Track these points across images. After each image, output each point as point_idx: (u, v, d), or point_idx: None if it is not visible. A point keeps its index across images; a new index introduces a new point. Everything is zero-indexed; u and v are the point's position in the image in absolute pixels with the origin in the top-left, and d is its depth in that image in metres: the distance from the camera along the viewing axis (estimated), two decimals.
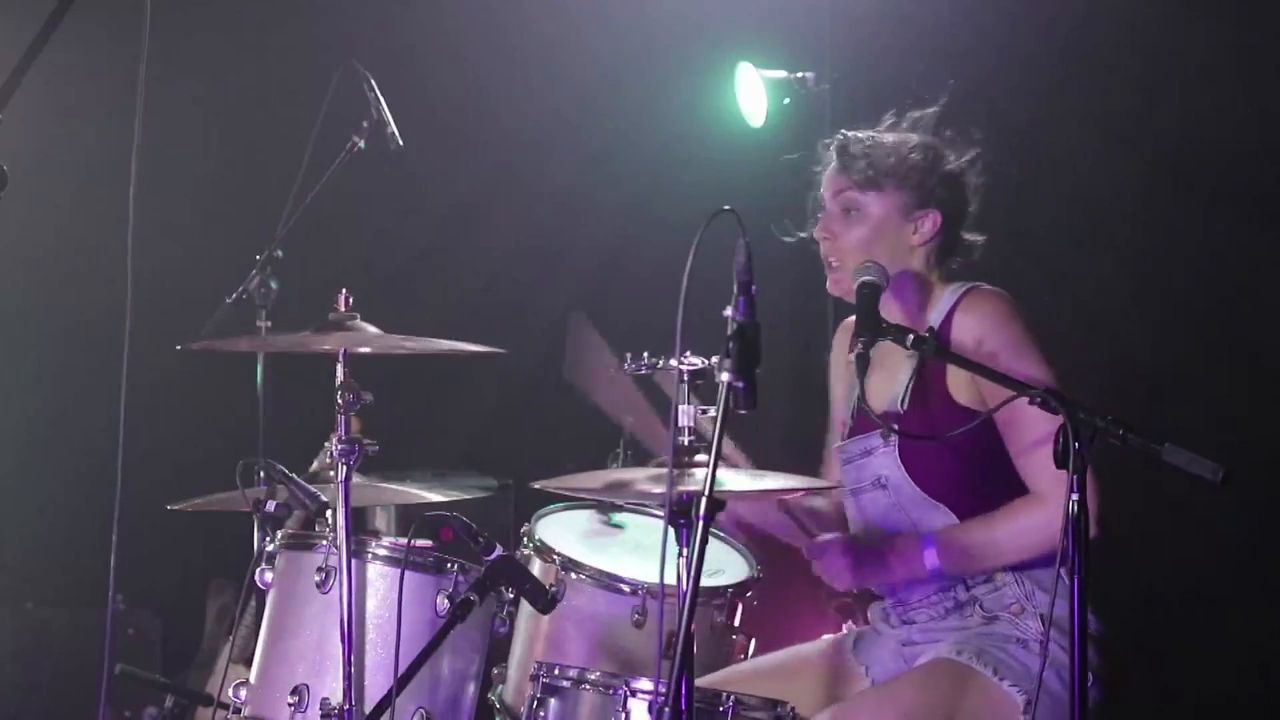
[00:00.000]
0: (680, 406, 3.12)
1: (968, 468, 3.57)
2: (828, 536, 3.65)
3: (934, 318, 3.64)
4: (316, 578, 3.54)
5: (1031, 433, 3.47)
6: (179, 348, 3.59)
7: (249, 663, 3.68)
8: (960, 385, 3.56)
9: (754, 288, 2.93)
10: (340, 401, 3.49)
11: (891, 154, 3.69)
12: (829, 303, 5.80)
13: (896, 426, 3.58)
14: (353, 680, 3.43)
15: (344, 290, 3.56)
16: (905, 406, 3.62)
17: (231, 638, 4.76)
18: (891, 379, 3.66)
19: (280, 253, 4.89)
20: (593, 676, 3.35)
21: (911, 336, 3.31)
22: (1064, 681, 3.40)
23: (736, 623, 3.84)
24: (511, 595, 3.60)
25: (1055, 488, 3.38)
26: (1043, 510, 3.48)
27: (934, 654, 3.57)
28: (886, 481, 3.65)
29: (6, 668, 5.90)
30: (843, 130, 3.76)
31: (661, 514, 3.02)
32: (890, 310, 3.60)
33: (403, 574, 3.48)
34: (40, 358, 6.14)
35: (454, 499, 4.07)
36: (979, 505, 3.56)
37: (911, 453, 3.61)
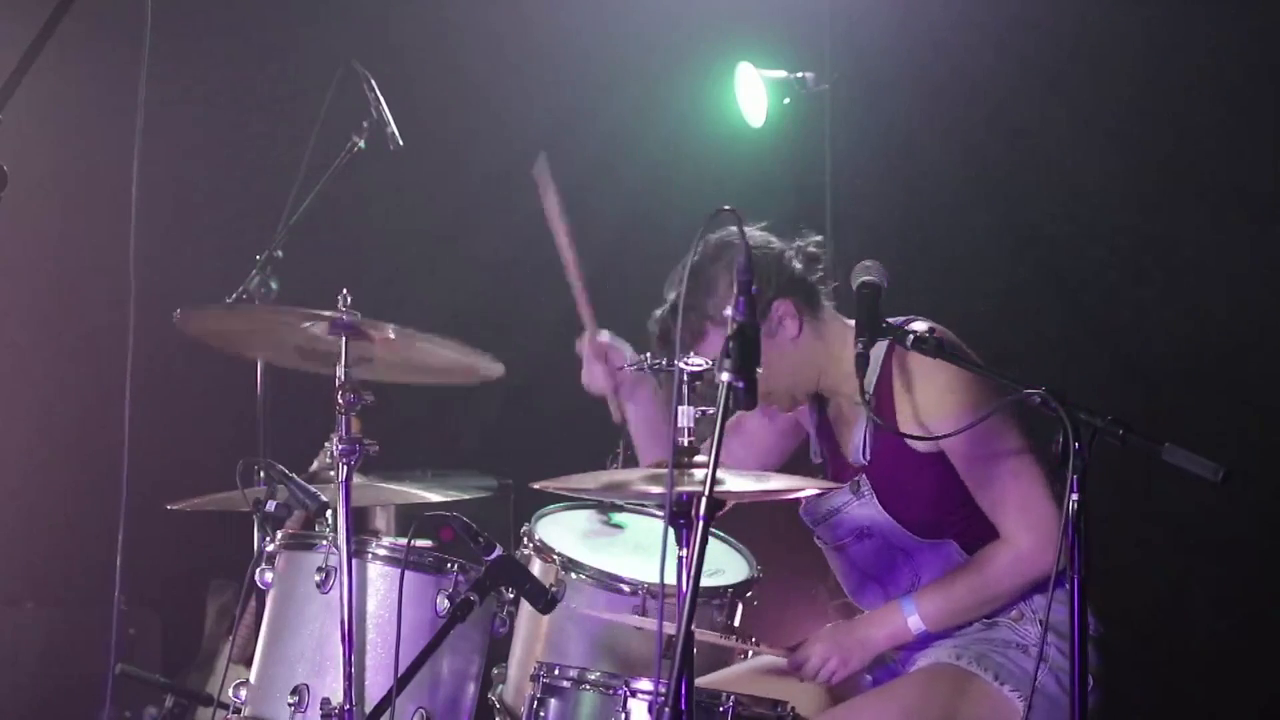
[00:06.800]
0: (680, 407, 3.11)
1: (953, 501, 3.55)
2: (804, 645, 3.56)
3: (870, 376, 3.46)
4: (316, 578, 3.54)
5: (978, 473, 3.46)
6: (177, 312, 3.53)
7: (249, 663, 3.68)
8: (912, 432, 3.48)
9: (754, 288, 2.92)
10: (340, 401, 3.49)
11: (693, 299, 3.48)
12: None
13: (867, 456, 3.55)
14: (353, 680, 3.42)
15: (344, 290, 3.56)
16: (868, 457, 3.60)
17: (231, 638, 4.76)
18: (850, 432, 3.65)
19: (280, 253, 4.89)
20: (593, 676, 3.35)
21: (912, 337, 3.30)
22: (1063, 686, 3.39)
23: (736, 623, 3.83)
24: (511, 595, 3.60)
25: (1018, 529, 3.44)
26: (1010, 551, 3.46)
27: (934, 658, 3.56)
28: (872, 530, 3.62)
29: (6, 668, 5.89)
30: (654, 313, 3.60)
31: (661, 514, 3.01)
32: (850, 383, 3.40)
33: (403, 574, 3.48)
34: (41, 358, 6.13)
35: (454, 499, 4.07)
36: (982, 526, 3.52)
37: (891, 498, 3.58)
